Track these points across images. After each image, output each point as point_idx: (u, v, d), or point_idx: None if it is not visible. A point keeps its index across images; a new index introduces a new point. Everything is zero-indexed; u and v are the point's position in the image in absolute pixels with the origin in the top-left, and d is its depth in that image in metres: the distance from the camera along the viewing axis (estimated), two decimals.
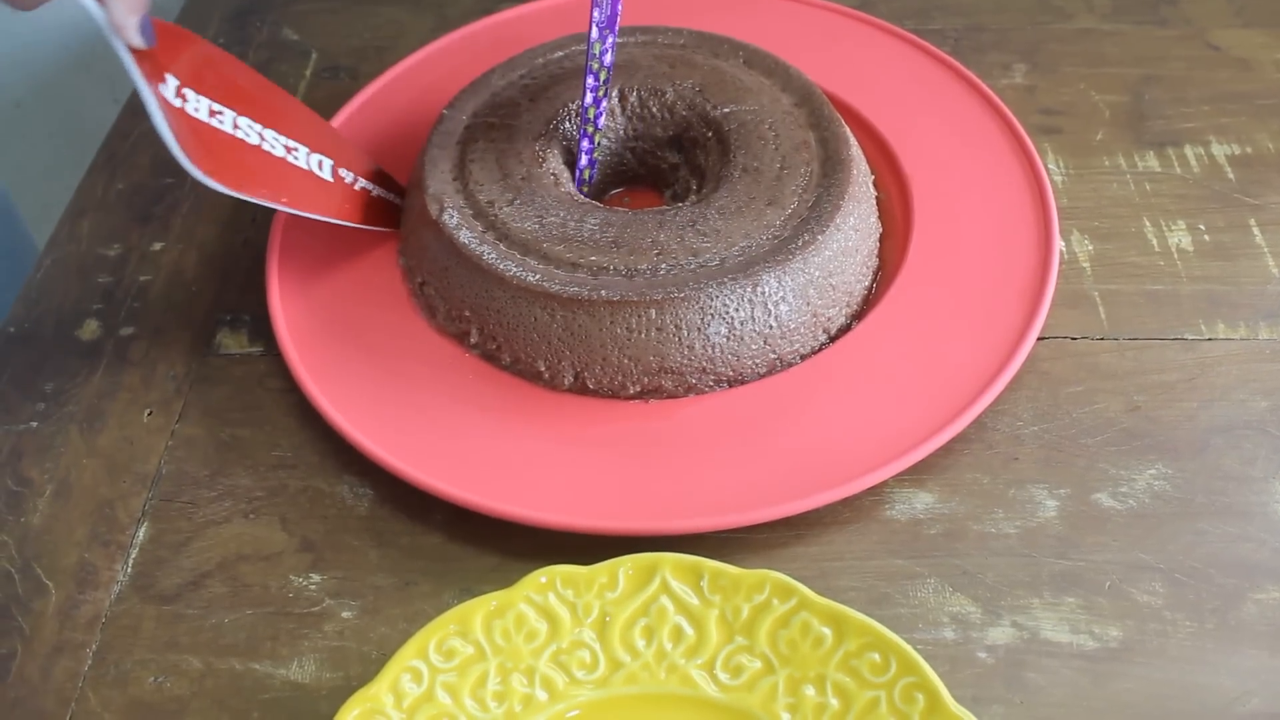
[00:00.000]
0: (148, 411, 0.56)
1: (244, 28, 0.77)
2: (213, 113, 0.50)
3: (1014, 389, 0.54)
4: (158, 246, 0.64)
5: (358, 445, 0.51)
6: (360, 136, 0.66)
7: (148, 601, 0.49)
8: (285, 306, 0.57)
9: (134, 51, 0.46)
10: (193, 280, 0.62)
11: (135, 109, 0.72)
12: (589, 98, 0.58)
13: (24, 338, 0.60)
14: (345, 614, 0.48)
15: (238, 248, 0.62)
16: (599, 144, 0.61)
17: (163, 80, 0.48)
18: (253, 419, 0.55)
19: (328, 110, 0.68)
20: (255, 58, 0.75)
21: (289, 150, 0.53)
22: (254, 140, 0.52)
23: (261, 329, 0.58)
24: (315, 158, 0.55)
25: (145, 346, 0.59)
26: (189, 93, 0.49)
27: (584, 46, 0.64)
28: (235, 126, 0.51)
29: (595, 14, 0.55)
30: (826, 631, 0.43)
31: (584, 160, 0.59)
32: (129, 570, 0.50)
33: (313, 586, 0.49)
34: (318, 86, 0.72)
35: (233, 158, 0.50)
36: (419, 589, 0.49)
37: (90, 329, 0.60)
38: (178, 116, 0.48)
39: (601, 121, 0.59)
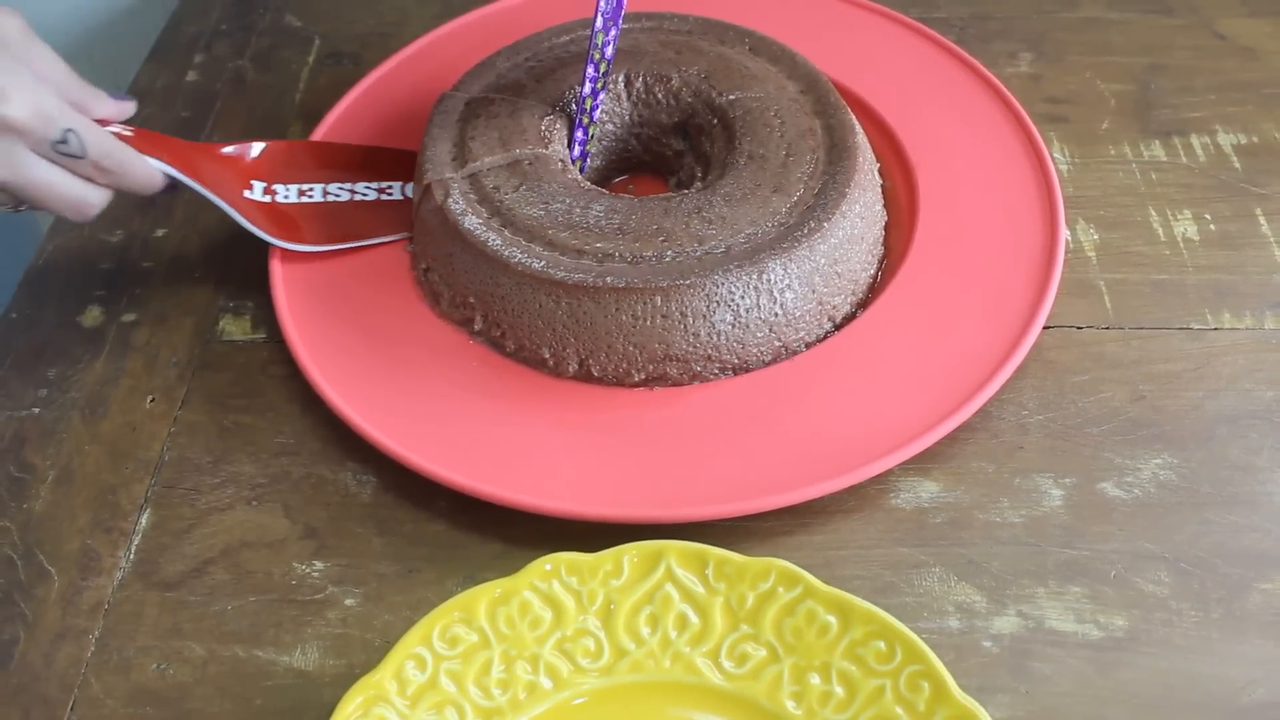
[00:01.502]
0: (150, 398, 0.56)
1: (248, 14, 0.77)
2: (301, 193, 0.59)
3: (1019, 378, 0.53)
4: (160, 233, 0.63)
5: (361, 432, 0.51)
6: (363, 123, 0.65)
7: (150, 588, 0.49)
8: (288, 293, 0.57)
9: (208, 177, 0.56)
10: (195, 266, 0.62)
11: (137, 93, 0.72)
12: (587, 87, 0.57)
13: (26, 323, 0.60)
14: (348, 601, 0.48)
15: (240, 234, 0.62)
16: (602, 131, 0.61)
17: (249, 186, 0.58)
18: (255, 405, 0.55)
19: (330, 97, 0.68)
20: (258, 44, 0.74)
21: (382, 191, 0.61)
22: (345, 198, 0.60)
23: (264, 316, 0.58)
24: (409, 186, 0.62)
25: (148, 333, 0.59)
26: (277, 186, 0.59)
27: (590, 32, 0.64)
28: (326, 194, 0.60)
29: (601, 3, 0.55)
30: (832, 620, 0.43)
31: (576, 150, 0.59)
32: (131, 557, 0.50)
33: (316, 574, 0.49)
34: (320, 73, 0.72)
35: (328, 220, 0.59)
36: (422, 576, 0.49)
37: (93, 315, 0.60)
38: (265, 210, 0.58)
39: (597, 114, 0.59)
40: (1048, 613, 0.47)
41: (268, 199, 0.58)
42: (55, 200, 0.52)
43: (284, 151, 0.61)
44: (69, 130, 0.50)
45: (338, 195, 0.60)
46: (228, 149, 0.59)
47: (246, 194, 0.58)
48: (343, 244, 0.58)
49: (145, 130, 0.55)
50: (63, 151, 0.50)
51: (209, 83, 0.72)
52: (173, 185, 0.56)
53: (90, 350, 0.58)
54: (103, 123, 0.52)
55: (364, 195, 0.60)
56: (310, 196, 0.59)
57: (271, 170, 0.60)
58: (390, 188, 0.61)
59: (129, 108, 0.54)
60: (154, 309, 0.60)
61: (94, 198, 0.53)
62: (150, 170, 0.54)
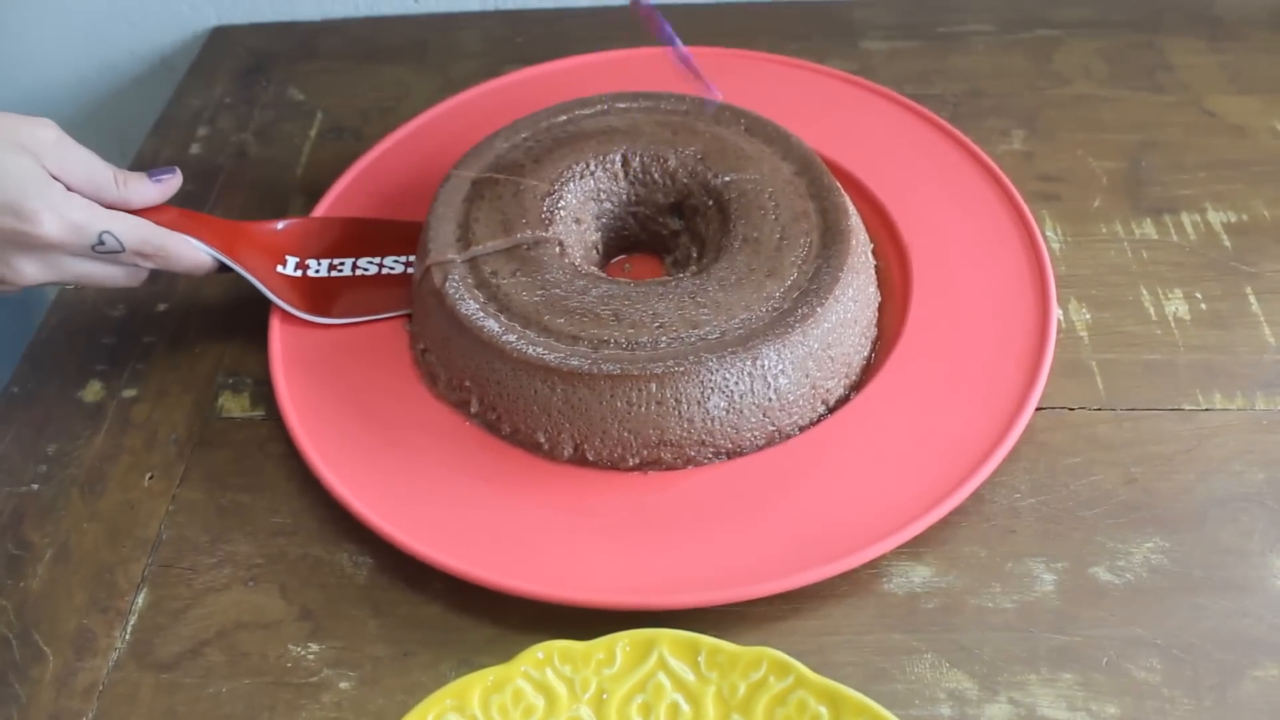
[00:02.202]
0: (149, 475, 0.56)
1: (250, 87, 0.78)
2: (332, 267, 0.61)
3: (1012, 460, 0.54)
4: (162, 307, 0.64)
5: (357, 514, 0.51)
6: (365, 198, 0.66)
7: (146, 670, 0.49)
8: (287, 370, 0.57)
9: (243, 254, 0.58)
10: (196, 341, 0.62)
11: (142, 165, 0.73)
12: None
13: (27, 398, 0.60)
14: (343, 684, 0.48)
15: (241, 310, 0.63)
16: (600, 209, 0.61)
17: (282, 262, 0.60)
18: (253, 484, 0.55)
19: (332, 171, 0.69)
20: (261, 117, 0.76)
21: (408, 265, 0.62)
22: (373, 271, 0.62)
23: (263, 392, 0.59)
24: None
25: (148, 409, 0.59)
26: (310, 261, 0.61)
27: (586, 111, 0.65)
28: (355, 269, 0.61)
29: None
30: (823, 710, 0.43)
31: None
32: (127, 637, 0.50)
33: (311, 656, 0.49)
34: (322, 147, 0.73)
35: (358, 293, 0.61)
36: (417, 659, 0.49)
37: (94, 390, 0.60)
38: (298, 285, 0.60)
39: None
40: (1039, 700, 0.47)
41: (300, 274, 0.60)
42: (104, 284, 0.55)
43: (313, 226, 0.63)
44: (103, 232, 0.52)
45: (366, 269, 0.61)
46: (260, 226, 0.61)
47: (280, 269, 0.60)
48: (373, 316, 0.60)
49: (184, 210, 0.57)
50: (101, 252, 0.53)
51: (212, 156, 0.73)
52: (223, 266, 0.57)
53: (90, 426, 0.59)
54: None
55: (391, 269, 0.62)
56: (341, 271, 0.61)
57: (303, 245, 0.62)
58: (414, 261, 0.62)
59: (172, 185, 0.56)
60: (154, 384, 0.60)
61: (141, 274, 0.56)
62: (194, 249, 0.56)
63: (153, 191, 0.55)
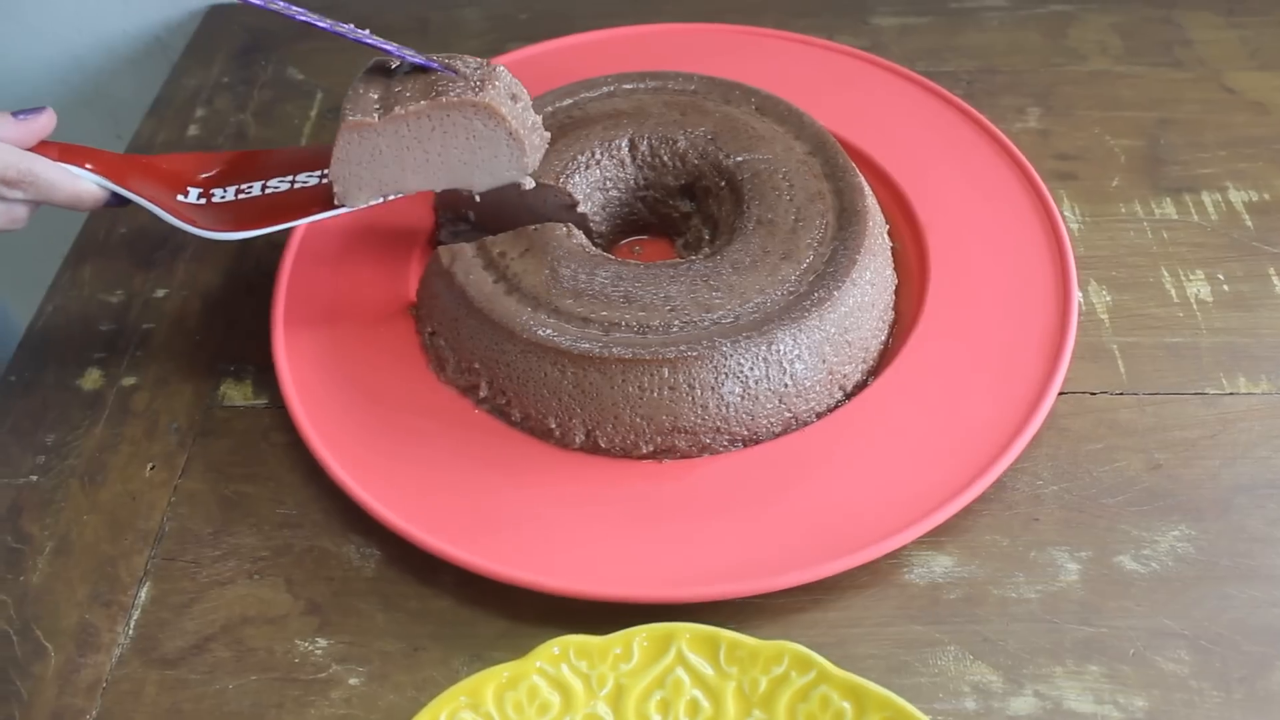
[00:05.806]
0: (150, 465, 0.55)
1: (249, 66, 0.76)
2: (240, 191, 0.56)
3: (1033, 446, 0.53)
4: (161, 293, 0.63)
5: (364, 506, 0.50)
6: None
7: (150, 665, 0.48)
8: (290, 357, 0.56)
9: (139, 185, 0.54)
10: (196, 328, 0.61)
11: (139, 148, 0.71)
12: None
13: (25, 387, 0.59)
14: (352, 680, 0.47)
15: (242, 294, 0.61)
16: (607, 198, 0.60)
17: (184, 192, 0.56)
18: (257, 474, 0.54)
19: None
20: (260, 96, 0.74)
21: (324, 176, 0.56)
22: (285, 188, 0.56)
23: (266, 380, 0.57)
24: None
25: (148, 397, 0.58)
26: (215, 190, 0.56)
27: (592, 94, 0.63)
28: (265, 189, 0.56)
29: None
30: (846, 706, 0.42)
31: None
32: (131, 632, 0.49)
33: (319, 651, 0.48)
34: (324, 126, 0.72)
35: (265, 209, 0.55)
36: (428, 654, 0.48)
37: (92, 378, 0.59)
38: (199, 209, 0.55)
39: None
40: (1065, 693, 0.46)
41: (203, 202, 0.55)
42: None
43: (219, 159, 0.58)
44: None
45: (277, 187, 0.56)
46: (160, 158, 0.57)
47: (180, 199, 0.55)
48: (279, 225, 0.54)
49: (68, 144, 0.53)
50: None
51: (210, 137, 0.72)
52: (120, 201, 0.53)
53: (90, 415, 0.57)
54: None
55: (305, 183, 0.56)
56: (249, 193, 0.56)
57: (208, 179, 0.57)
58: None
59: (38, 124, 0.51)
60: (154, 372, 0.59)
61: (18, 211, 0.51)
62: (73, 178, 0.51)
63: (14, 130, 0.50)
